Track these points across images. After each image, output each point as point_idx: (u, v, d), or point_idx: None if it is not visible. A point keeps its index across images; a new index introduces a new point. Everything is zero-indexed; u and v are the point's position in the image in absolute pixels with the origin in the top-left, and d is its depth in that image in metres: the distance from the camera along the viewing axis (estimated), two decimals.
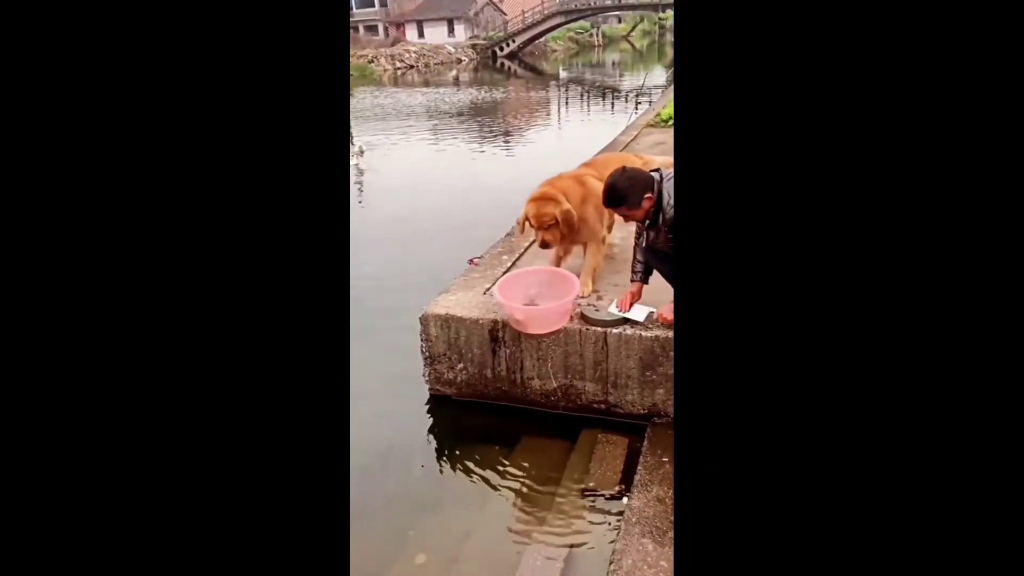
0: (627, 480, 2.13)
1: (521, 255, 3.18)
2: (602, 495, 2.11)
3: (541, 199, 2.62)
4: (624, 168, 2.21)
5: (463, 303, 2.65)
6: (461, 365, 2.63)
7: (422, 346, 2.67)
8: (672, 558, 1.72)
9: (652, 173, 2.20)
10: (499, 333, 2.52)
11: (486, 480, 2.26)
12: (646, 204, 2.14)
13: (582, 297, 2.56)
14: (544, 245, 2.62)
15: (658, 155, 5.21)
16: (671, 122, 6.54)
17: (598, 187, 2.53)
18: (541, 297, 2.58)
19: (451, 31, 31.48)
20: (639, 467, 2.12)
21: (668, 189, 2.16)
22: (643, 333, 2.33)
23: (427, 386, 2.73)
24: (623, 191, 2.14)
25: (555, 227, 2.58)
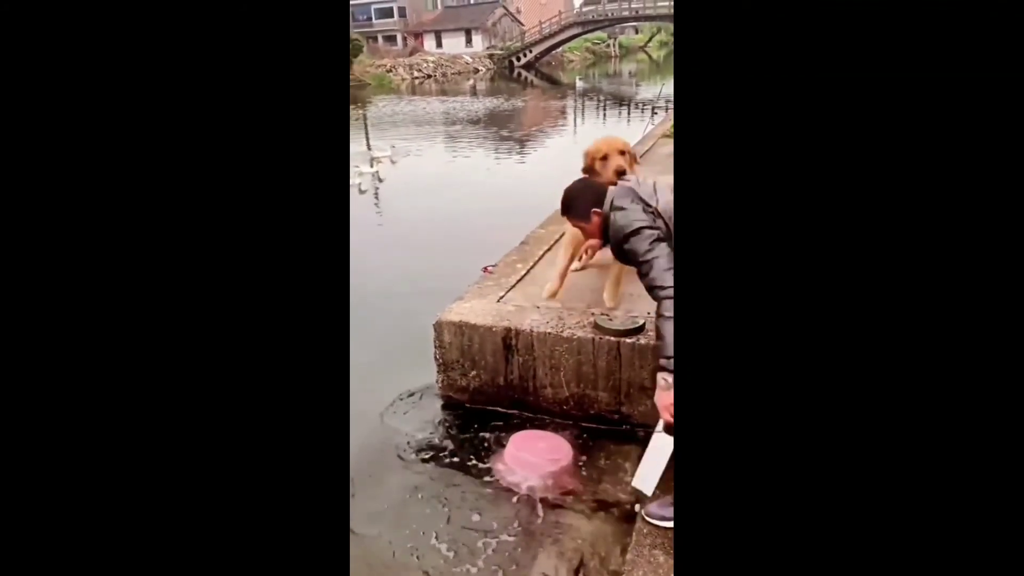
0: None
1: (535, 264, 3.19)
2: (614, 505, 2.10)
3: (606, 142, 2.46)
4: (586, 178, 2.12)
5: (477, 310, 2.66)
6: (474, 372, 2.64)
7: (435, 353, 2.69)
8: None
9: (616, 186, 2.01)
10: (512, 341, 2.53)
11: (498, 488, 2.25)
12: (595, 219, 1.97)
13: (610, 308, 2.56)
14: (622, 173, 2.35)
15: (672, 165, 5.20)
16: None
17: None
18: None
19: (468, 41, 31.78)
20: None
21: (620, 212, 1.90)
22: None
23: (440, 393, 2.75)
24: (571, 198, 2.03)
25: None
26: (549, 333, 2.47)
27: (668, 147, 6.07)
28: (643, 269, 1.83)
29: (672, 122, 7.32)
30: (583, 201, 2.00)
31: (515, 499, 2.18)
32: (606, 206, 1.94)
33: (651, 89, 18.53)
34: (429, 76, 26.36)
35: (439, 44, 31.83)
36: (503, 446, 2.37)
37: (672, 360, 1.71)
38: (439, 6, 34.62)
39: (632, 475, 2.20)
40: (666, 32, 37.32)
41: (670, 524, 1.82)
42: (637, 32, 41.10)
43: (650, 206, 1.89)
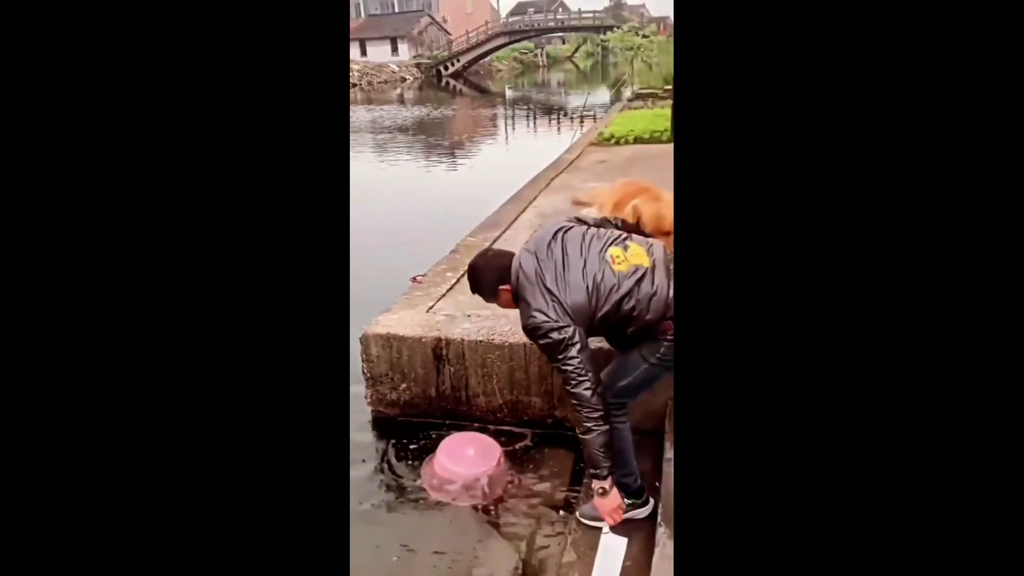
0: (574, 494, 2.13)
1: (466, 272, 3.16)
2: (550, 509, 2.10)
3: (647, 191, 2.04)
4: (486, 252, 1.89)
5: (405, 322, 2.61)
6: (404, 385, 2.58)
7: (363, 367, 2.60)
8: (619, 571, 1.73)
9: (521, 260, 1.73)
10: (443, 351, 2.49)
11: (431, 500, 2.21)
12: (503, 296, 1.77)
13: None
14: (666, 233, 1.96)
15: (600, 173, 5.34)
16: (613, 140, 6.71)
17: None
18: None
19: (394, 50, 31.44)
20: (585, 480, 2.12)
21: (523, 304, 1.66)
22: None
23: (369, 408, 2.66)
24: (475, 275, 1.83)
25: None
26: (481, 341, 2.45)
27: (596, 155, 6.21)
28: (560, 374, 1.68)
29: (599, 130, 7.50)
30: (487, 278, 1.80)
31: (446, 509, 2.14)
32: (513, 280, 1.74)
33: (579, 98, 18.96)
34: (354, 85, 25.86)
35: (364, 52, 31.29)
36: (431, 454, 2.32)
37: (603, 469, 1.68)
38: (362, 14, 34.12)
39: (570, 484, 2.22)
40: (591, 43, 38.37)
41: (604, 524, 1.83)
42: (564, 43, 42.05)
43: (556, 297, 1.63)
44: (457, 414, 2.56)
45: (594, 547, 1.80)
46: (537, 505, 2.12)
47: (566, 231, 1.77)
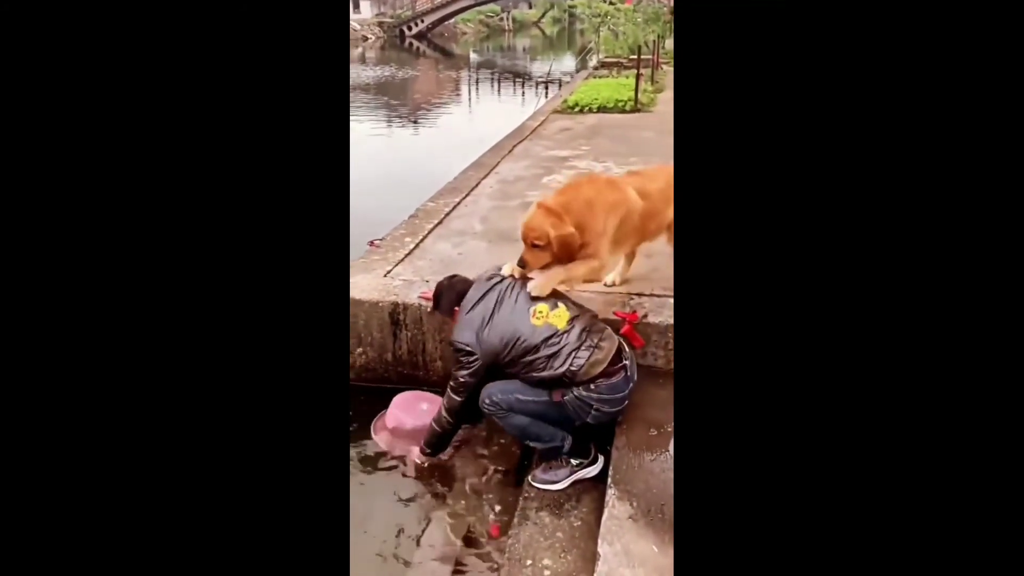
0: (527, 457, 2.17)
1: (425, 237, 3.12)
2: (503, 471, 2.13)
3: (546, 210, 2.03)
4: (454, 277, 2.13)
5: (361, 285, 2.57)
6: (360, 349, 2.55)
7: None
8: (567, 529, 1.78)
9: (475, 289, 2.01)
10: (400, 316, 2.47)
11: (388, 465, 2.21)
12: (456, 316, 2.02)
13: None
14: (521, 264, 2.06)
15: (563, 141, 5.31)
16: (576, 108, 6.66)
17: (634, 199, 2.16)
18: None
19: (356, 7, 30.13)
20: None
21: (463, 313, 1.96)
22: None
23: None
24: (437, 292, 2.11)
25: (543, 250, 2.01)
26: None
27: (559, 122, 6.16)
28: (451, 381, 2.02)
29: (563, 98, 7.43)
30: (448, 298, 2.07)
31: (397, 465, 2.16)
32: (464, 309, 2.00)
33: (545, 65, 18.70)
34: None
35: None
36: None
37: (427, 445, 2.15)
38: None
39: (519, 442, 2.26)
40: (559, 8, 37.63)
41: (555, 487, 1.88)
42: (530, 7, 41.15)
43: (477, 328, 1.93)
44: (414, 379, 2.56)
45: (542, 507, 1.85)
46: (488, 468, 2.16)
47: (516, 281, 2.05)
